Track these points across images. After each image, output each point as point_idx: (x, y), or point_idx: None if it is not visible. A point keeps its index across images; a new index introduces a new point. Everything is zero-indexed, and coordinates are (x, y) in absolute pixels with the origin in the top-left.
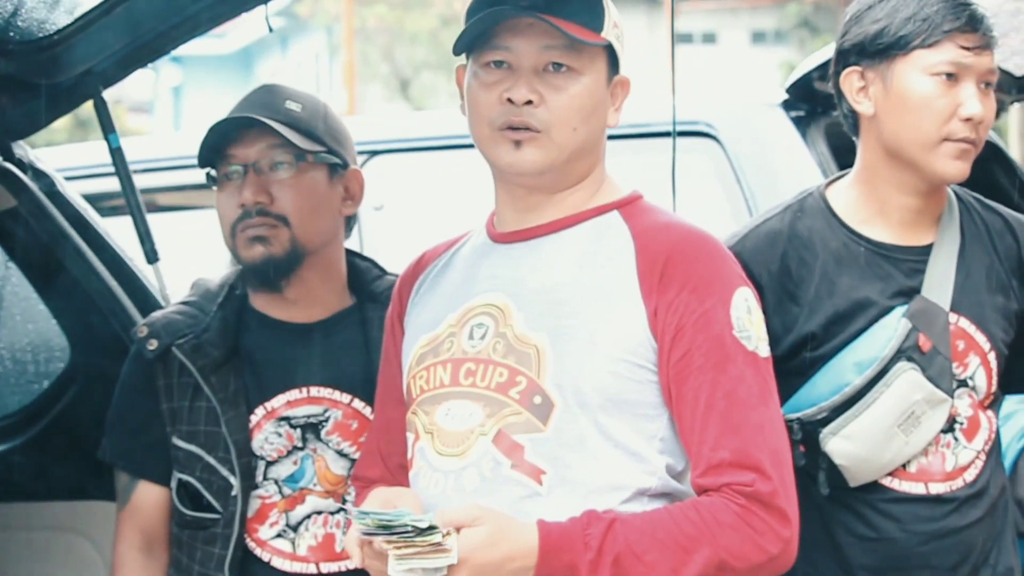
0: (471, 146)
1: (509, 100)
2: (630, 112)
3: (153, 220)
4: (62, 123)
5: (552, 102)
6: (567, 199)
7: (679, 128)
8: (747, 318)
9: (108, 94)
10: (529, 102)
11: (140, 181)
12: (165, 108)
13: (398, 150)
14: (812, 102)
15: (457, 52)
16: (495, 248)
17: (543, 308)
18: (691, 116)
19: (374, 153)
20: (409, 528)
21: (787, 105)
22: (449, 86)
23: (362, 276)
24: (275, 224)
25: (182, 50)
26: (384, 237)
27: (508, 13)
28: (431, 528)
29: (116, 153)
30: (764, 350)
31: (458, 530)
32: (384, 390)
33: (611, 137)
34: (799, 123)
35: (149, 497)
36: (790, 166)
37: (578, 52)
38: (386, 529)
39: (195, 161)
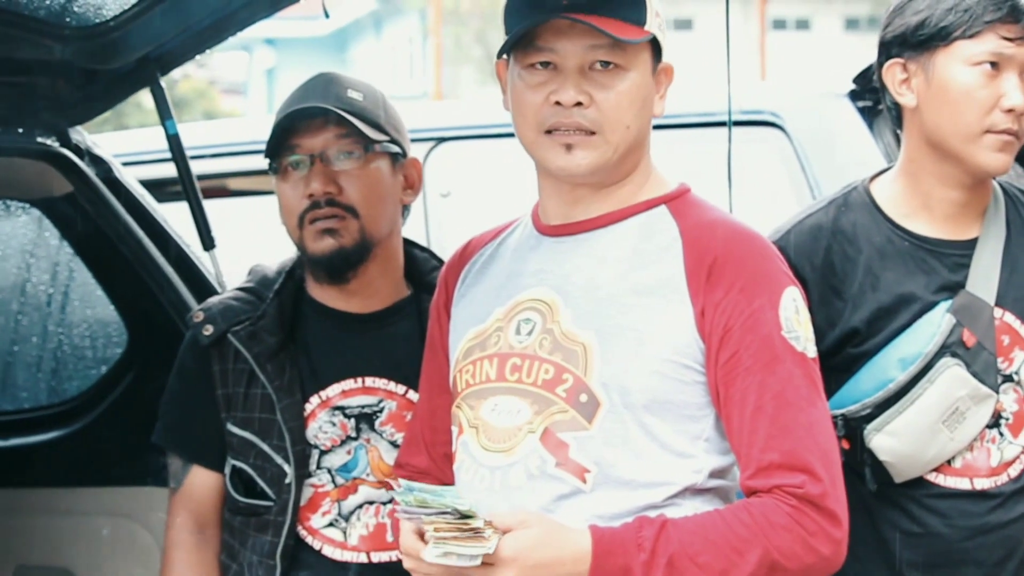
0: None
1: (557, 103)
2: (698, 101)
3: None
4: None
5: (602, 102)
6: (614, 193)
7: (745, 118)
8: (795, 318)
9: (202, 75)
10: (578, 103)
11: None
12: (258, 90)
13: (465, 137)
14: (879, 92)
15: (500, 56)
16: (542, 241)
17: (591, 306)
18: (757, 105)
19: (441, 140)
20: (450, 510)
21: (854, 95)
22: None
23: (419, 267)
24: (344, 215)
25: (276, 32)
26: (451, 224)
27: (550, 16)
28: (471, 516)
29: (173, 140)
30: (812, 350)
31: (505, 532)
32: (429, 378)
33: (677, 126)
34: (865, 113)
35: (202, 482)
36: (856, 156)
37: (623, 48)
38: (425, 508)
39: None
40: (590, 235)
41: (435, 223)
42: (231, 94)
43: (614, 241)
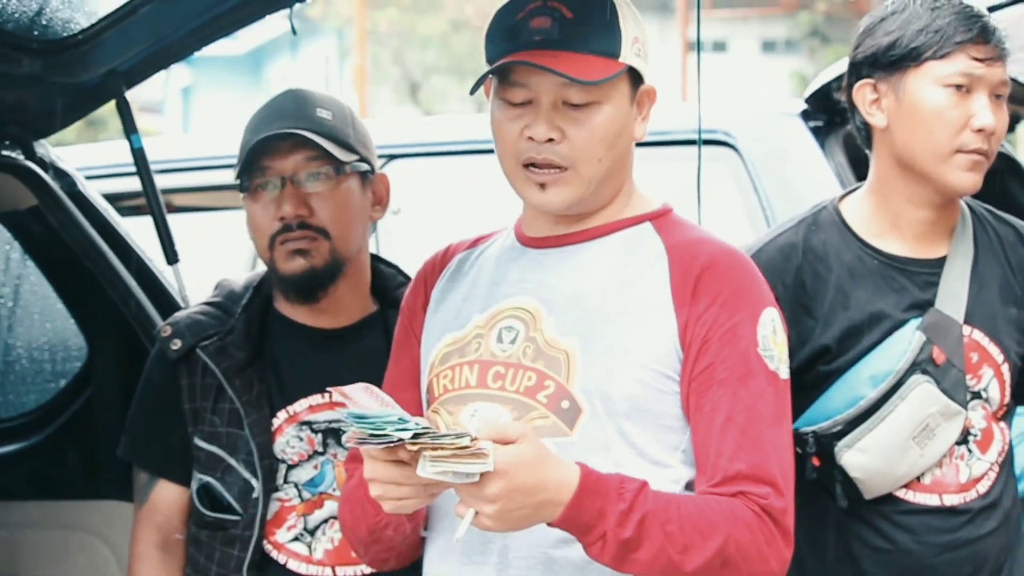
0: (489, 151)
1: (531, 138)
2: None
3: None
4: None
5: (574, 137)
6: (599, 214)
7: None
8: (772, 338)
9: None
10: (551, 139)
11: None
12: (174, 108)
13: (416, 154)
14: (831, 112)
15: (472, 92)
16: (525, 252)
17: (575, 314)
18: (709, 125)
19: (392, 157)
20: (395, 438)
21: (806, 115)
22: (459, 90)
23: (386, 282)
24: (315, 237)
25: None
26: (401, 241)
27: (512, 61)
28: (423, 433)
29: (138, 153)
30: (784, 372)
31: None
32: (393, 375)
33: None
34: (817, 133)
35: (168, 496)
36: (808, 176)
37: (596, 84)
38: (379, 436)
39: (203, 164)
40: (574, 248)
41: (385, 240)
42: (147, 112)
43: (598, 254)
